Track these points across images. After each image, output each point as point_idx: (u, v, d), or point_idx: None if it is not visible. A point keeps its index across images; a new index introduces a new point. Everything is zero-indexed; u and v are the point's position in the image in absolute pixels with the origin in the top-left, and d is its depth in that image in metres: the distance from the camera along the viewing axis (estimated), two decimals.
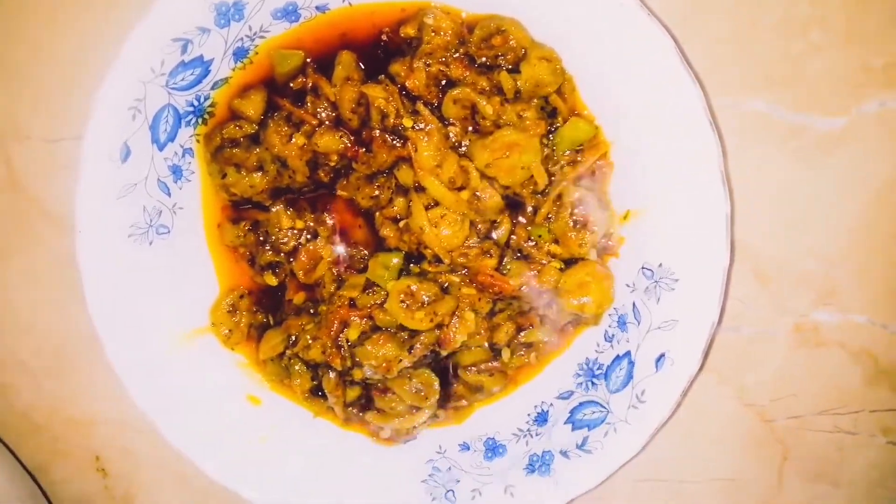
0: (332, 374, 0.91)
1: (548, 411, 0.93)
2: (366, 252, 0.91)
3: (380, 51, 0.88)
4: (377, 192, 0.89)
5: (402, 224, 0.90)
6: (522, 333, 0.93)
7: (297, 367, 0.93)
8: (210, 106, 0.89)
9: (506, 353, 0.93)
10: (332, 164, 0.89)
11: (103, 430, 1.03)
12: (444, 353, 0.91)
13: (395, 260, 0.89)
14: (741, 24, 0.94)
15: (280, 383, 0.95)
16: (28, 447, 1.04)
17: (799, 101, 0.95)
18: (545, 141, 0.88)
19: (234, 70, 0.88)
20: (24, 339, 1.01)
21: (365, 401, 0.94)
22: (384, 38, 0.89)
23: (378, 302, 0.89)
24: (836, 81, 0.95)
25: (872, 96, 0.94)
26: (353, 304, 0.90)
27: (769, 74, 0.94)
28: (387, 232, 0.90)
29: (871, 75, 0.94)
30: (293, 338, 0.93)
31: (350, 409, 0.94)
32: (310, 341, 0.91)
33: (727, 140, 0.93)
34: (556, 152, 0.89)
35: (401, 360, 0.89)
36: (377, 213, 0.90)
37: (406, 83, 0.87)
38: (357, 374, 0.91)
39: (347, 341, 0.89)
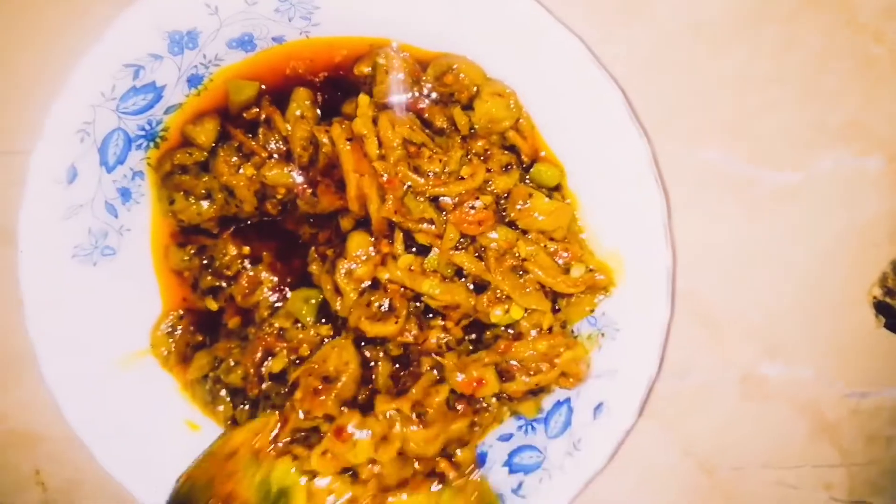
0: (246, 406, 0.91)
1: (487, 452, 0.92)
2: None
3: (335, 86, 0.88)
4: (316, 231, 0.89)
5: (326, 265, 0.89)
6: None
7: (221, 392, 0.92)
8: (163, 130, 0.88)
9: None
10: (280, 196, 0.89)
11: (44, 443, 1.02)
12: None
13: (314, 300, 0.88)
14: (699, 76, 0.94)
15: (206, 408, 0.94)
16: None
17: (753, 155, 0.95)
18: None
19: (188, 96, 0.87)
20: None
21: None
22: (338, 69, 0.87)
23: (302, 337, 0.88)
24: (792, 137, 0.95)
25: (827, 154, 0.95)
26: (281, 334, 0.89)
27: (725, 126, 0.95)
28: (314, 268, 0.89)
29: (827, 133, 0.94)
30: (219, 360, 0.91)
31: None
32: (232, 364, 0.90)
33: (679, 188, 0.93)
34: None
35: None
36: (311, 248, 0.90)
37: None
38: None
39: (270, 374, 0.88)
